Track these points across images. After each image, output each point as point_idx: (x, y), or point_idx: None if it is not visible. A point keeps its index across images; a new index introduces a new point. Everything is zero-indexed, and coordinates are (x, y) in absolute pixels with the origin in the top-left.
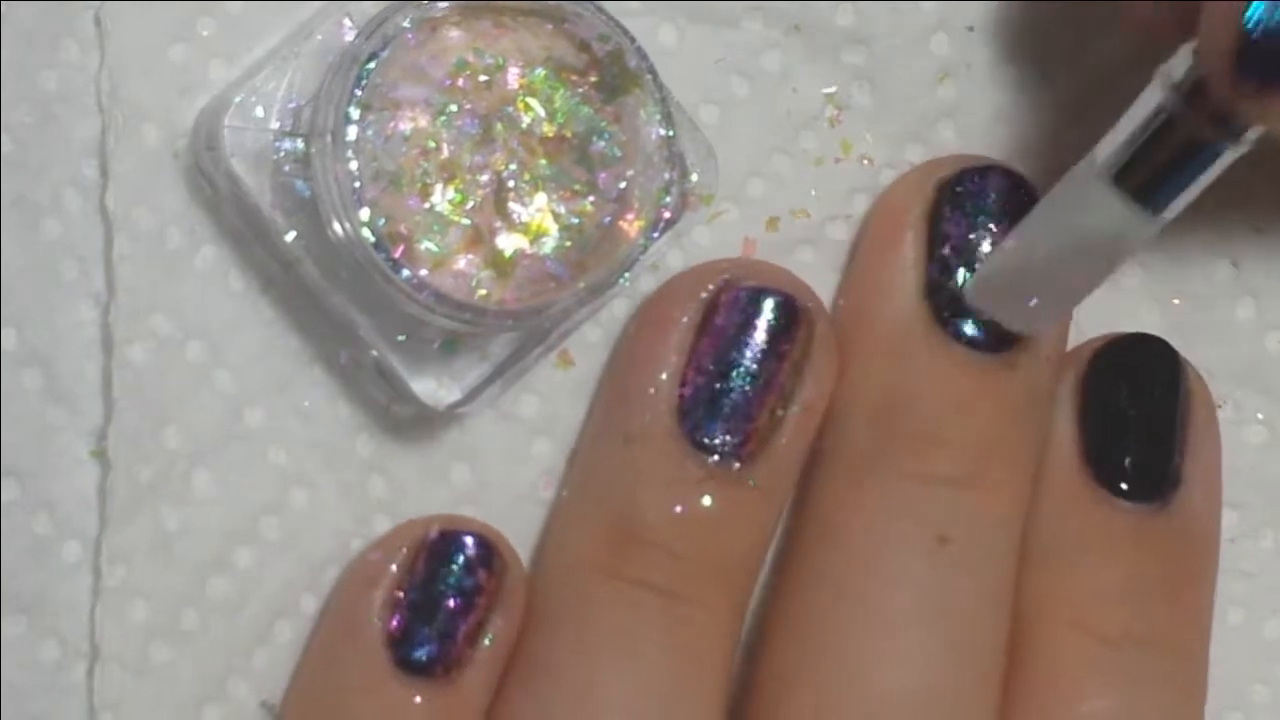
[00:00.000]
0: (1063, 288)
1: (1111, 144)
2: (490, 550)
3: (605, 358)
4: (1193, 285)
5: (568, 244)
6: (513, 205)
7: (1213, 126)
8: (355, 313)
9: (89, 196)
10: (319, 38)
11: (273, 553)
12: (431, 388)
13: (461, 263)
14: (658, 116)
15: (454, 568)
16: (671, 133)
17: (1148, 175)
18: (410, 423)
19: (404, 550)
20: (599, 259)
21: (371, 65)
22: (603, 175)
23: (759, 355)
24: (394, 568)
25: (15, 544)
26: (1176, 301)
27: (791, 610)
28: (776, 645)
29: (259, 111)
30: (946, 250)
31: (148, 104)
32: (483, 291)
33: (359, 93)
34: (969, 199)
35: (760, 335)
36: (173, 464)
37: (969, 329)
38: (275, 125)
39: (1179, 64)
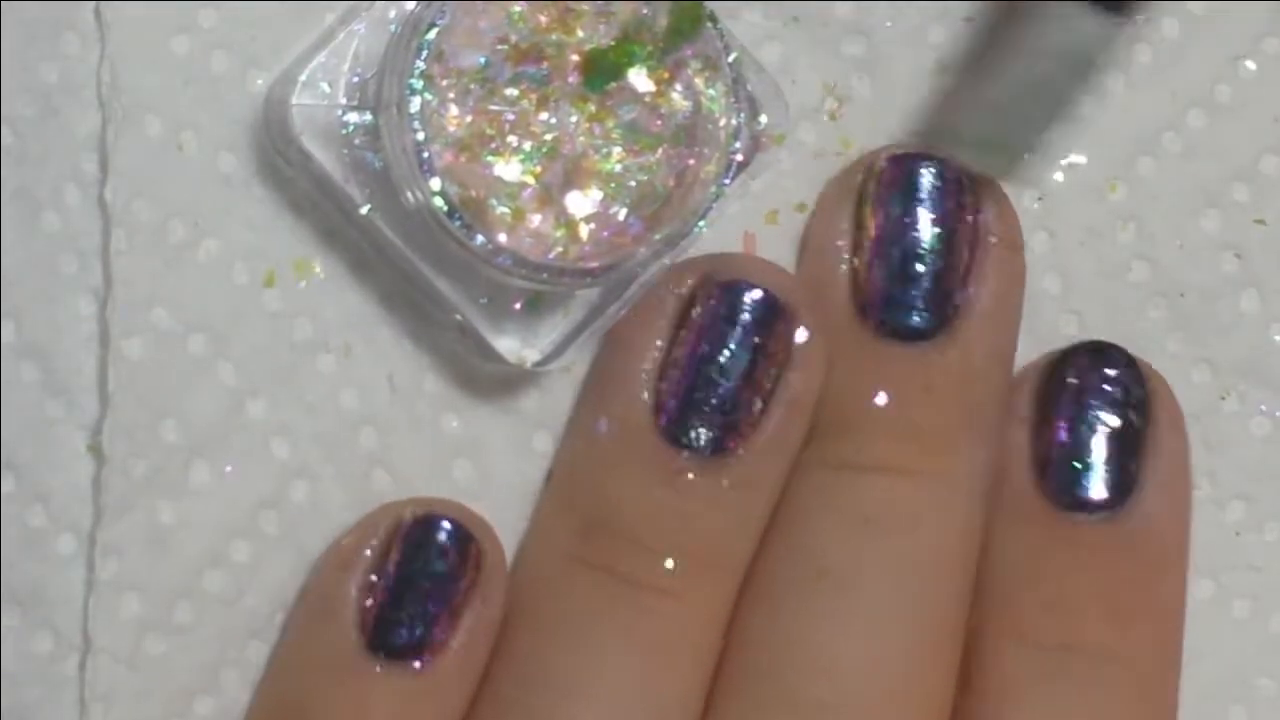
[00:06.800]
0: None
1: None
2: (467, 535)
3: None
4: (1197, 278)
5: (640, 197)
6: (583, 163)
7: None
8: (437, 278)
9: (89, 190)
10: (379, 7)
11: (271, 547)
12: (515, 346)
13: (536, 222)
14: (724, 61)
15: (430, 552)
16: (736, 76)
17: None
18: (413, 416)
19: (380, 534)
20: (672, 210)
21: (432, 35)
22: (671, 125)
23: (736, 350)
24: (369, 552)
25: (10, 536)
26: (1182, 295)
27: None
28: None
29: (325, 87)
30: (869, 244)
31: (149, 96)
32: (559, 249)
33: (421, 64)
34: (890, 188)
35: (737, 330)
36: (169, 458)
37: (895, 320)
38: (342, 100)
39: None
